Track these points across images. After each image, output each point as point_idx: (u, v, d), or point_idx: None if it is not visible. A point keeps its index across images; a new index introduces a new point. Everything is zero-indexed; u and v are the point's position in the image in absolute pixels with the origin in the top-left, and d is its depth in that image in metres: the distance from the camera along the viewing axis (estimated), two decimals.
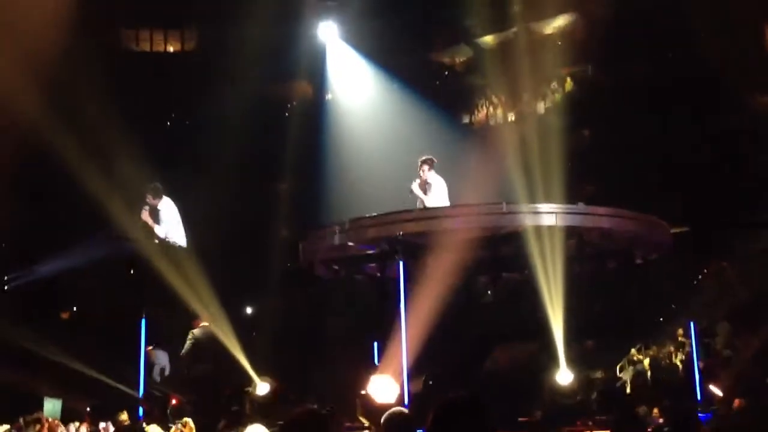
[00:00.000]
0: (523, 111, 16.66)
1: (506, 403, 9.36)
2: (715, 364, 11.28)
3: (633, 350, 11.66)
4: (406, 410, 4.70)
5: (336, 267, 11.54)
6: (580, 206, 10.63)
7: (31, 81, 11.68)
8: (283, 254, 14.09)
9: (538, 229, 9.83)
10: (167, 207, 11.65)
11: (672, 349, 11.77)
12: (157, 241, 11.23)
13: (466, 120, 18.03)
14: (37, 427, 8.99)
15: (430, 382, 9.98)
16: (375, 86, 17.51)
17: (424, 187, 10.79)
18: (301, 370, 11.63)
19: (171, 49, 20.33)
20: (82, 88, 12.97)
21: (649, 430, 6.58)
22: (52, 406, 10.67)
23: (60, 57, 12.59)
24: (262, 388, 10.12)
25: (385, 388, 9.40)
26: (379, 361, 10.36)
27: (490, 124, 17.33)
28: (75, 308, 12.84)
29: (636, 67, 15.07)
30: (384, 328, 10.07)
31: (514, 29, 16.99)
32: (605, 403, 10.33)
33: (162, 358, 11.57)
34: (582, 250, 10.68)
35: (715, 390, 10.48)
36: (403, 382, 9.34)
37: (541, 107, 16.65)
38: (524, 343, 10.48)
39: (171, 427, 8.48)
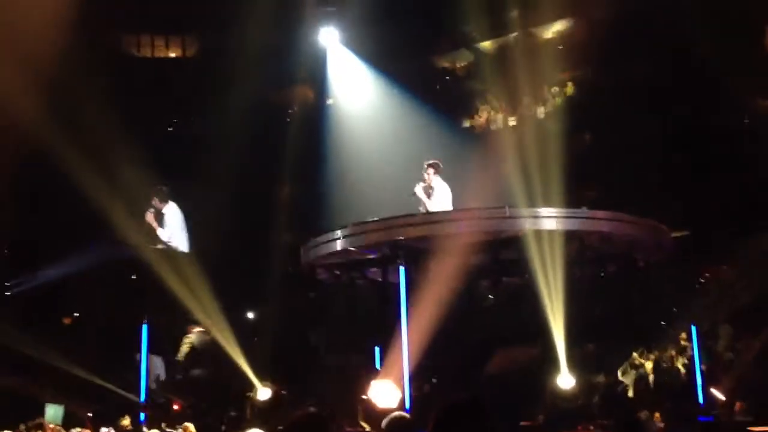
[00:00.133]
0: (524, 115, 16.66)
1: (508, 407, 9.36)
2: (717, 367, 11.26)
3: (635, 354, 11.64)
4: (407, 415, 4.69)
5: (337, 271, 11.55)
6: (583, 210, 10.66)
7: (33, 86, 11.69)
8: (285, 259, 14.09)
9: (539, 233, 9.84)
10: (172, 211, 11.72)
11: (674, 352, 11.75)
12: (159, 244, 11.25)
13: (466, 124, 18.03)
14: None
15: (432, 386, 9.97)
16: (376, 91, 17.53)
17: (428, 191, 10.81)
18: (302, 374, 11.63)
19: (172, 54, 20.37)
20: (84, 93, 12.98)
21: None
22: (53, 412, 10.66)
23: (61, 62, 12.60)
24: (263, 393, 10.13)
25: (386, 392, 9.40)
26: (380, 366, 10.35)
27: (490, 128, 17.33)
28: (77, 314, 12.85)
29: (636, 70, 15.06)
30: (385, 333, 10.06)
31: (515, 34, 17.01)
32: (607, 407, 10.33)
33: (158, 364, 11.59)
34: (583, 254, 10.69)
35: (717, 393, 10.47)
36: (404, 386, 9.34)
37: (541, 111, 16.65)
38: (525, 347, 10.47)
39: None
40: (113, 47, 18.71)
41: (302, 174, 16.69)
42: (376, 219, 10.45)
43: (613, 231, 10.37)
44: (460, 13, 15.58)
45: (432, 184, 10.85)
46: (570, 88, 16.78)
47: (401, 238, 9.99)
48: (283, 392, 10.05)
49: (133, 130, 13.19)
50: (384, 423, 4.38)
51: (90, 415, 10.38)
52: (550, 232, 9.87)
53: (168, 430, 8.84)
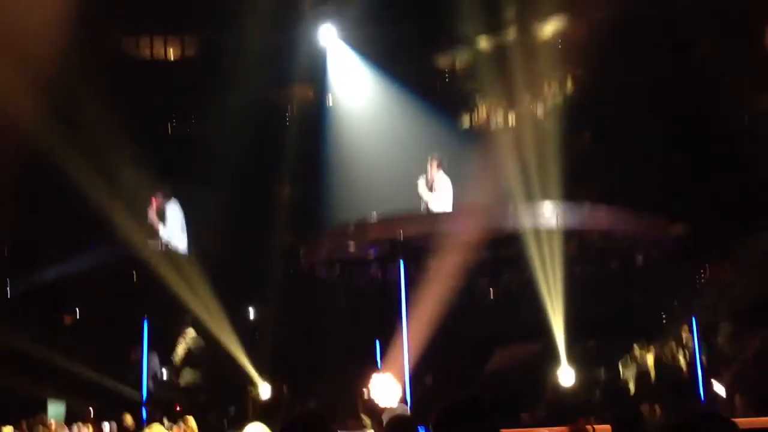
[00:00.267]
0: (524, 114, 16.66)
1: (509, 403, 9.38)
2: (718, 362, 11.28)
3: (636, 348, 11.65)
4: (407, 413, 4.71)
5: (337, 269, 11.57)
6: (585, 207, 10.69)
7: (32, 86, 11.71)
8: (285, 257, 14.10)
9: (539, 230, 9.86)
10: (174, 211, 11.79)
11: (675, 347, 11.76)
12: (159, 241, 11.29)
13: (466, 123, 18.04)
14: (41, 429, 9.03)
15: (432, 383, 9.99)
16: (375, 90, 17.52)
17: (431, 185, 10.84)
18: (303, 372, 11.64)
19: (171, 55, 20.36)
20: (83, 93, 13.00)
21: None
22: (55, 409, 10.69)
23: (60, 63, 12.61)
24: (263, 390, 10.15)
25: (386, 389, 9.43)
26: (381, 363, 10.37)
27: (490, 127, 17.33)
28: (78, 313, 12.87)
29: (636, 69, 15.07)
30: (386, 330, 10.08)
31: (514, 33, 17.00)
32: (608, 401, 10.35)
33: (156, 363, 11.62)
34: (583, 251, 10.71)
35: (718, 388, 10.48)
36: (405, 383, 9.36)
37: (541, 110, 16.65)
38: (527, 343, 10.49)
39: (173, 426, 8.51)
40: (112, 48, 18.70)
41: (302, 173, 16.69)
42: (375, 217, 10.47)
43: (614, 228, 10.40)
44: (460, 12, 15.59)
45: (435, 179, 10.88)
46: (570, 87, 16.78)
47: (401, 235, 10.01)
48: (284, 390, 10.06)
49: (133, 131, 13.20)
50: (385, 418, 4.40)
51: (91, 411, 10.40)
52: (551, 228, 9.89)
53: (169, 423, 8.86)
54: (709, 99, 14.30)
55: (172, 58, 20.10)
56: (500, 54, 15.79)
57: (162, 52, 20.19)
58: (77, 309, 12.77)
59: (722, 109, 14.32)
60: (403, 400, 9.18)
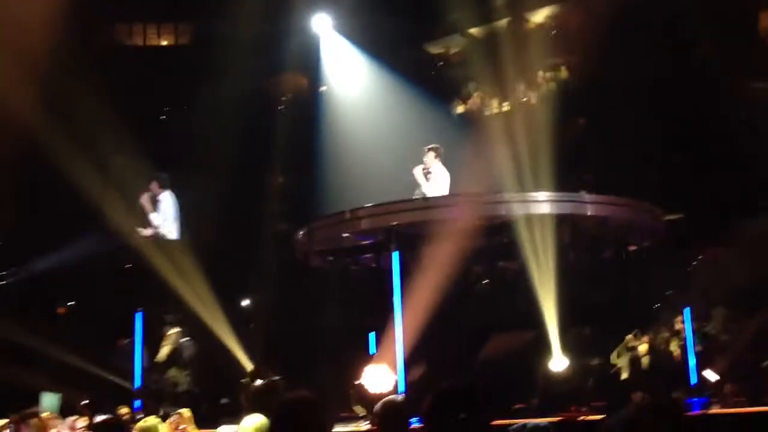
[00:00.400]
0: (518, 100, 16.63)
1: (502, 391, 9.39)
2: (712, 349, 11.30)
3: (629, 337, 11.67)
4: (400, 398, 4.70)
5: (331, 258, 11.56)
6: (580, 195, 10.69)
7: (23, 75, 11.66)
8: (279, 246, 14.09)
9: (533, 217, 9.85)
10: (167, 199, 11.81)
11: (668, 335, 11.79)
12: (149, 228, 11.28)
13: (460, 110, 18.01)
14: (35, 421, 9.00)
15: (426, 371, 10.00)
16: (369, 77, 17.48)
17: (427, 174, 10.82)
18: (297, 361, 11.65)
19: (164, 42, 20.28)
20: (75, 82, 12.95)
21: None
22: (50, 401, 10.68)
23: (53, 52, 12.55)
24: (257, 380, 10.12)
25: (380, 378, 9.43)
26: (374, 352, 10.38)
27: (484, 113, 17.30)
28: (71, 303, 12.86)
29: (631, 55, 15.03)
30: (379, 319, 10.08)
31: (508, 19, 16.95)
32: (600, 389, 10.37)
33: (148, 354, 11.58)
34: (577, 238, 10.71)
35: (710, 375, 10.51)
36: (398, 372, 9.37)
37: (535, 96, 16.62)
38: (520, 331, 10.49)
39: (168, 418, 8.48)
40: (105, 36, 18.62)
41: (296, 162, 16.67)
42: (369, 205, 10.46)
43: (608, 214, 10.40)
44: None
45: (431, 168, 10.86)
46: (563, 73, 16.75)
47: (395, 223, 10.00)
48: (278, 378, 10.05)
49: (126, 120, 13.16)
50: (377, 407, 4.39)
51: (84, 402, 10.39)
52: (544, 216, 9.89)
53: (164, 414, 8.85)
54: (705, 90, 14.29)
55: (165, 46, 20.04)
56: (494, 41, 15.74)
57: (155, 40, 20.12)
58: (71, 299, 12.76)
59: (719, 100, 14.31)
60: (396, 388, 9.20)
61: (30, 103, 11.85)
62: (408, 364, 9.49)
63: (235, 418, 9.39)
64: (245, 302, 14.65)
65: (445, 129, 15.12)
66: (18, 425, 8.93)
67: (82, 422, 9.91)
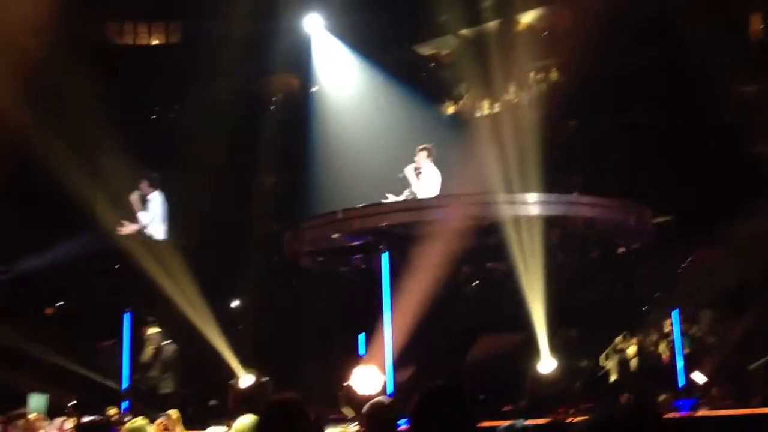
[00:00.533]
0: (509, 102, 16.65)
1: (491, 392, 9.41)
2: (699, 351, 11.34)
3: (617, 339, 11.70)
4: (388, 400, 4.71)
5: (321, 259, 11.55)
6: (569, 196, 10.72)
7: (12, 74, 11.60)
8: (269, 246, 14.07)
9: (523, 218, 9.86)
10: (156, 199, 11.80)
11: (656, 337, 11.83)
12: (135, 224, 11.26)
13: (451, 111, 18.02)
14: (22, 422, 8.97)
15: (415, 373, 10.00)
16: (361, 78, 17.47)
17: (418, 173, 10.84)
18: (286, 362, 11.64)
19: (155, 42, 20.23)
20: (64, 81, 12.89)
21: None
22: (37, 402, 10.64)
23: (42, 49, 12.49)
24: (245, 380, 10.12)
25: (369, 379, 9.43)
26: (364, 353, 10.37)
27: (475, 115, 17.31)
28: (59, 304, 12.81)
29: (621, 57, 15.07)
30: (369, 320, 10.08)
31: (499, 20, 16.98)
32: (588, 391, 10.39)
33: (136, 354, 11.54)
34: (566, 240, 10.73)
35: (698, 377, 10.54)
36: (387, 373, 9.36)
37: (526, 98, 16.64)
38: (509, 333, 10.50)
39: (156, 419, 8.47)
40: (95, 34, 18.55)
41: (287, 162, 16.65)
42: (359, 206, 10.46)
43: (597, 216, 10.42)
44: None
45: (422, 168, 10.88)
46: (554, 74, 16.78)
47: (384, 224, 10.00)
48: (265, 380, 10.04)
49: (116, 119, 13.11)
50: (365, 408, 4.39)
51: (72, 404, 10.35)
52: (534, 217, 9.90)
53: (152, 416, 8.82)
54: (695, 92, 14.33)
55: (155, 45, 19.98)
56: (485, 43, 15.75)
57: (146, 39, 20.07)
58: (59, 300, 12.70)
59: (709, 102, 14.36)
60: (385, 390, 9.20)
61: (19, 101, 11.79)
62: (397, 366, 9.49)
63: (223, 419, 9.41)
64: (234, 303, 14.61)
65: (435, 130, 15.12)
66: (5, 426, 8.91)
67: (69, 423, 9.89)
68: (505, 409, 9.43)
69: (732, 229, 12.20)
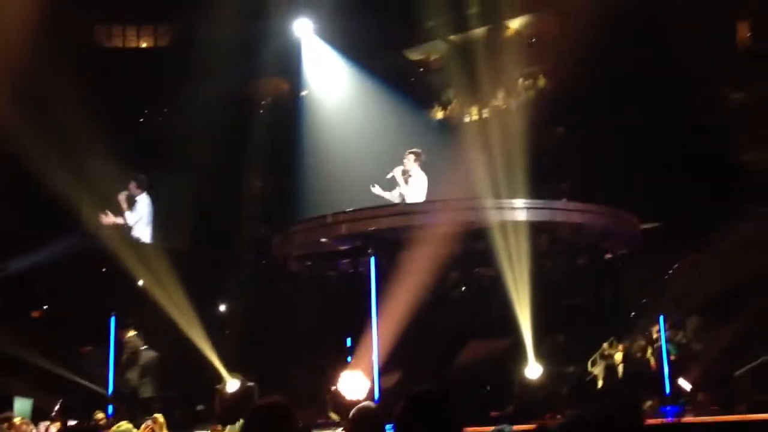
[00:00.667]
0: (497, 108, 16.70)
1: (478, 397, 9.41)
2: (685, 358, 11.38)
3: (605, 345, 11.73)
4: (374, 405, 4.70)
5: (309, 263, 11.53)
6: (556, 202, 10.75)
7: (1, 77, 11.55)
8: (257, 251, 14.04)
9: (510, 224, 9.88)
10: (144, 201, 11.76)
11: (644, 343, 11.86)
12: (122, 225, 11.22)
13: (440, 116, 18.07)
14: (6, 425, 8.91)
15: (402, 378, 9.98)
16: (350, 82, 17.49)
17: (406, 176, 10.85)
18: (273, 367, 11.60)
19: (144, 45, 20.19)
20: (53, 83, 12.85)
21: None
22: (22, 406, 10.56)
23: (31, 52, 12.44)
24: (231, 385, 10.09)
25: (356, 384, 9.41)
26: (351, 358, 10.35)
27: (464, 120, 17.36)
28: (45, 307, 12.73)
29: (608, 63, 15.14)
30: (356, 324, 10.06)
31: (489, 26, 17.04)
32: (576, 397, 10.39)
33: (120, 358, 11.48)
34: (554, 245, 10.76)
35: (684, 384, 10.57)
36: (374, 378, 9.35)
37: (514, 104, 16.70)
38: (496, 338, 10.51)
39: (141, 424, 8.43)
40: (84, 37, 18.50)
41: (276, 165, 16.63)
42: (347, 210, 10.46)
43: (585, 222, 10.44)
44: (434, 5, 15.59)
45: (411, 171, 10.90)
46: (542, 81, 16.85)
47: (372, 229, 10.00)
48: (252, 384, 10.01)
49: (104, 122, 13.07)
50: (352, 413, 4.39)
51: (57, 408, 10.29)
52: (521, 223, 9.92)
53: (137, 420, 8.79)
54: (684, 98, 14.41)
55: (144, 49, 19.94)
56: (474, 49, 15.80)
57: (134, 42, 20.04)
58: (45, 303, 12.63)
59: (697, 109, 14.44)
60: (372, 394, 9.18)
61: (6, 103, 11.74)
62: (384, 371, 9.48)
63: (209, 424, 9.37)
64: (221, 307, 14.57)
65: (424, 134, 15.15)
66: None
67: (54, 428, 9.83)
68: (492, 414, 9.43)
69: (719, 236, 12.27)
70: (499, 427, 5.47)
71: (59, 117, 12.77)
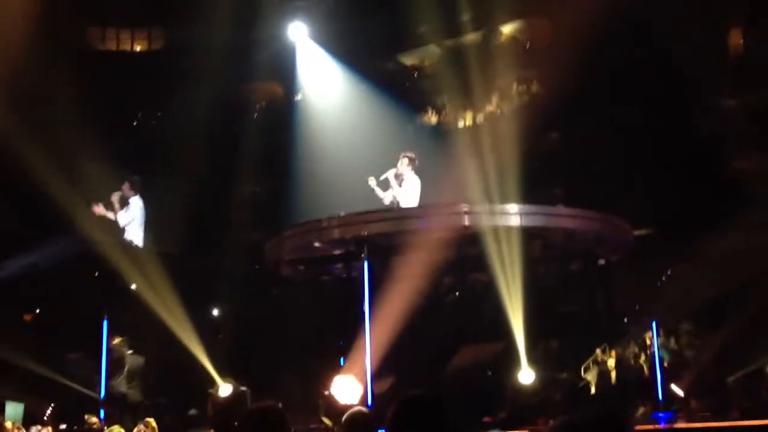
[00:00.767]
0: (491, 113, 16.72)
1: (471, 403, 9.39)
2: (678, 364, 11.40)
3: (598, 351, 11.73)
4: (366, 410, 4.70)
5: (302, 267, 11.52)
6: (549, 207, 10.78)
7: None
8: (250, 255, 14.01)
9: (503, 229, 9.89)
10: (137, 203, 11.75)
11: (636, 349, 11.87)
12: (113, 227, 11.21)
13: (433, 121, 18.07)
14: None
15: (394, 383, 9.98)
16: (345, 87, 17.48)
17: (399, 179, 10.87)
18: (266, 371, 11.58)
19: (138, 48, 20.15)
20: (47, 87, 12.82)
21: None
22: (13, 410, 10.51)
23: (24, 55, 12.41)
24: (224, 390, 10.07)
25: (348, 388, 9.40)
26: (343, 362, 10.34)
27: (457, 125, 17.37)
28: (38, 310, 12.67)
29: (602, 69, 15.17)
30: (349, 329, 10.06)
31: (482, 31, 17.05)
32: (569, 402, 10.40)
33: (113, 362, 11.45)
34: (547, 251, 10.78)
35: (677, 390, 10.59)
36: (366, 383, 9.34)
37: (508, 109, 16.72)
38: (489, 343, 10.51)
39: (133, 428, 8.41)
40: (77, 40, 18.46)
41: (270, 170, 16.61)
42: (340, 215, 10.46)
43: (577, 227, 10.47)
44: (428, 10, 15.60)
45: (404, 175, 10.91)
46: (535, 86, 16.87)
47: (365, 233, 10.00)
48: (244, 389, 9.98)
49: (97, 125, 13.03)
50: (344, 418, 4.38)
51: (48, 412, 10.24)
52: (515, 228, 9.93)
53: (129, 424, 8.77)
54: (676, 105, 14.45)
55: (138, 53, 19.90)
56: (468, 54, 15.82)
57: (128, 46, 19.99)
58: (37, 306, 12.57)
59: (690, 116, 14.48)
60: (364, 399, 9.17)
61: (0, 106, 11.70)
62: (377, 375, 9.47)
63: (202, 428, 9.34)
64: (214, 311, 14.54)
65: (418, 139, 15.16)
66: None
67: None
68: (484, 419, 9.42)
69: (711, 244, 12.29)
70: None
71: (52, 120, 12.74)
